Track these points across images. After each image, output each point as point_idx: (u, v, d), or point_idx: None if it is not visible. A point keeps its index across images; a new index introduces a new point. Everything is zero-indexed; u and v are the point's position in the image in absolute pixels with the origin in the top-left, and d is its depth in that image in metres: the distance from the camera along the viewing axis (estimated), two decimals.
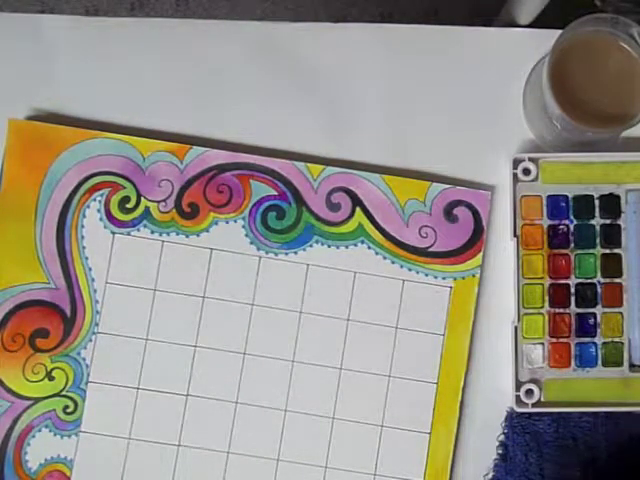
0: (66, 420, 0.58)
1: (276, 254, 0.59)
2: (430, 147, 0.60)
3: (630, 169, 0.58)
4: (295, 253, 0.59)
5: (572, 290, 0.58)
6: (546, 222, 0.58)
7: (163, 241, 0.59)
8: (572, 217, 0.58)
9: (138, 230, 0.59)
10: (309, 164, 0.59)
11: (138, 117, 0.60)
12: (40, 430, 0.58)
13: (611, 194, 0.58)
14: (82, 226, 0.59)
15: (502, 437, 0.58)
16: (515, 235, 0.58)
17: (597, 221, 0.58)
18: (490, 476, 0.58)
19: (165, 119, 0.60)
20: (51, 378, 0.58)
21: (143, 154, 0.59)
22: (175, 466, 0.58)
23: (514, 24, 0.87)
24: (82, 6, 1.21)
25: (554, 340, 0.58)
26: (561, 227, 0.58)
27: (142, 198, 0.59)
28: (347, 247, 0.59)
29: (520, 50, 0.60)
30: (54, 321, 0.58)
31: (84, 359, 0.58)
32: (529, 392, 0.57)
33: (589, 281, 0.58)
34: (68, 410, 0.58)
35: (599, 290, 0.58)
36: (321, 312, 0.59)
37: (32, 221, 0.58)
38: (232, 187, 0.59)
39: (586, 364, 0.57)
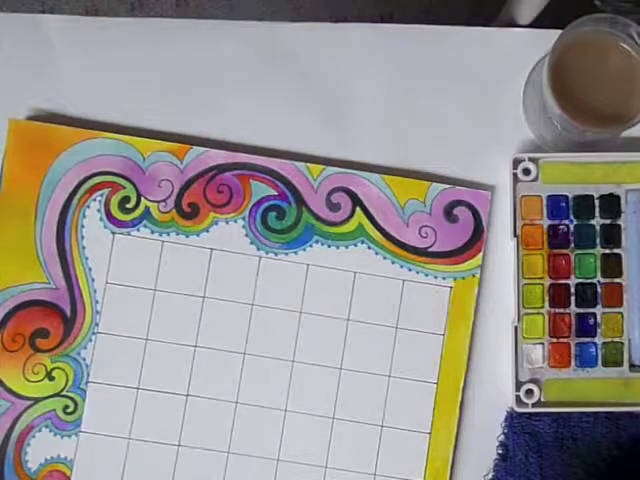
0: (66, 420, 0.58)
1: (276, 254, 0.59)
2: (430, 147, 0.60)
3: (630, 169, 0.58)
4: (295, 253, 0.59)
5: (572, 290, 0.58)
6: (546, 222, 0.58)
7: (163, 241, 0.59)
8: (572, 217, 0.58)
9: (138, 230, 0.59)
10: (309, 164, 0.59)
11: (138, 117, 0.60)
12: (40, 430, 0.58)
13: (611, 194, 0.58)
14: (82, 226, 0.59)
15: (502, 437, 0.58)
16: (515, 235, 0.58)
17: (597, 221, 0.58)
18: (490, 476, 0.58)
19: (165, 119, 0.60)
20: (51, 378, 0.58)
21: (143, 154, 0.59)
22: (175, 466, 0.58)
23: (514, 24, 0.87)
24: (82, 6, 1.21)
25: (554, 340, 0.58)
26: (561, 227, 0.58)
27: (142, 198, 0.59)
28: (347, 247, 0.59)
29: (520, 50, 0.60)
30: (54, 321, 0.58)
31: (84, 359, 0.58)
32: (529, 392, 0.57)
33: (589, 281, 0.58)
34: (68, 410, 0.58)
35: (599, 290, 0.58)
36: (321, 312, 0.59)
37: (32, 221, 0.58)
38: (232, 187, 0.59)
39: (586, 364, 0.58)
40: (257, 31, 0.61)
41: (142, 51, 0.60)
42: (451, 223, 0.59)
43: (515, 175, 0.58)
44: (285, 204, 0.59)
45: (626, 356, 0.58)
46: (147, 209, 0.59)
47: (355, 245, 0.59)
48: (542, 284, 0.58)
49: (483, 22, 0.65)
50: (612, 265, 0.58)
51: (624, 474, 0.57)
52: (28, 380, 0.58)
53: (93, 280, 0.59)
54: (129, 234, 0.59)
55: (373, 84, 0.61)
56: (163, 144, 0.59)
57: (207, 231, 0.59)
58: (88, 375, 0.58)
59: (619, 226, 0.58)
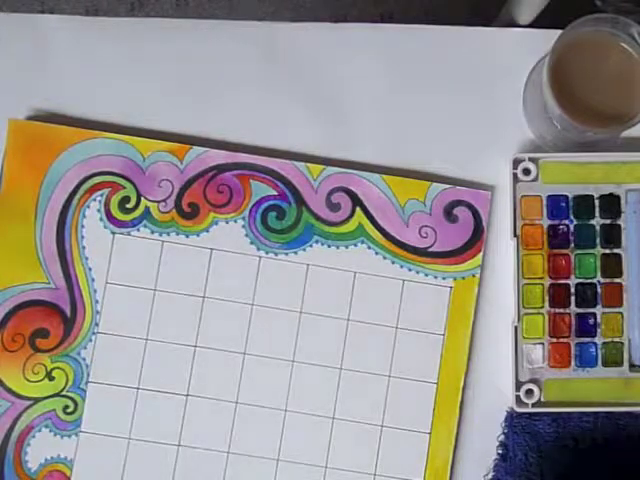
0: (66, 420, 0.58)
1: (276, 254, 0.59)
2: (430, 147, 0.60)
3: (630, 169, 0.58)
4: (295, 253, 0.59)
5: (572, 290, 0.58)
6: (546, 222, 0.58)
7: (163, 241, 0.59)
8: (572, 217, 0.58)
9: (138, 230, 0.59)
10: (309, 164, 0.59)
11: (138, 117, 0.60)
12: (40, 430, 0.58)
13: (611, 194, 0.58)
14: (82, 226, 0.59)
15: (502, 437, 0.58)
16: (515, 235, 0.58)
17: (597, 221, 0.58)
18: (490, 476, 0.58)
19: (165, 119, 0.60)
20: (51, 378, 0.58)
21: (143, 154, 0.59)
22: (175, 466, 0.58)
23: (514, 24, 0.87)
24: (82, 6, 1.21)
25: (554, 340, 0.58)
26: (561, 227, 0.58)
27: (142, 198, 0.59)
28: (347, 247, 0.59)
29: (520, 50, 0.60)
30: (54, 321, 0.58)
31: (84, 359, 0.58)
32: (529, 392, 0.57)
33: (589, 281, 0.58)
34: (68, 410, 0.58)
35: (599, 290, 0.58)
36: (321, 312, 0.59)
37: (32, 221, 0.58)
38: (232, 187, 0.59)
39: (586, 364, 0.57)
40: (257, 31, 0.61)
41: (142, 51, 0.60)
42: (451, 223, 0.59)
43: (515, 175, 0.58)
44: (285, 204, 0.59)
45: (626, 356, 0.58)
46: (147, 209, 0.59)
47: (355, 245, 0.59)
48: (542, 284, 0.58)
49: (483, 22, 0.65)
50: (612, 265, 0.58)
51: (624, 474, 0.57)
52: (28, 380, 0.58)
53: (93, 280, 0.59)
54: (129, 234, 0.59)
55: (373, 84, 0.61)
56: (163, 144, 0.59)
57: (207, 231, 0.59)
58: (88, 375, 0.58)
59: (619, 226, 0.58)
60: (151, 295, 0.59)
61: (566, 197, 0.58)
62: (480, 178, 0.60)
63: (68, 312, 0.58)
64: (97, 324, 0.58)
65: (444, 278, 0.59)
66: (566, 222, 0.58)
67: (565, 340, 0.58)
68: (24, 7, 1.19)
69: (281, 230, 0.59)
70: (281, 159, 0.59)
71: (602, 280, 0.58)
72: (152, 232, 0.59)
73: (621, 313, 0.58)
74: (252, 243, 0.59)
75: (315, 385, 0.58)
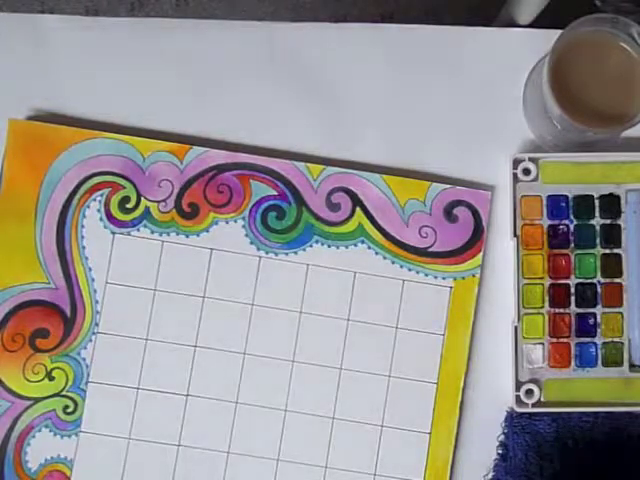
0: (66, 420, 0.58)
1: (276, 254, 0.59)
2: (430, 147, 0.60)
3: (630, 169, 0.58)
4: (295, 253, 0.59)
5: (572, 290, 0.58)
6: (546, 222, 0.58)
7: (163, 241, 0.59)
8: (572, 217, 0.58)
9: (138, 230, 0.59)
10: (309, 164, 0.59)
11: (138, 117, 0.60)
12: (40, 430, 0.58)
13: (611, 194, 0.58)
14: (82, 226, 0.59)
15: (502, 437, 0.58)
16: (515, 235, 0.58)
17: (597, 221, 0.58)
18: (490, 476, 0.58)
19: (165, 119, 0.60)
20: (51, 378, 0.58)
21: (143, 154, 0.59)
22: (175, 466, 0.58)
23: (514, 24, 0.87)
24: (82, 6, 1.21)
25: (554, 340, 0.58)
26: (561, 227, 0.58)
27: (142, 198, 0.59)
28: (347, 247, 0.59)
29: (520, 50, 0.60)
30: (54, 321, 0.58)
31: (84, 359, 0.58)
32: (529, 392, 0.57)
33: (589, 281, 0.58)
34: (68, 410, 0.58)
35: (599, 290, 0.58)
36: (321, 312, 0.59)
37: (32, 221, 0.58)
38: (232, 187, 0.59)
39: (586, 364, 0.57)
40: (257, 31, 0.61)
41: (142, 51, 0.60)
42: (451, 223, 0.59)
43: (515, 175, 0.58)
44: (285, 204, 0.59)
45: (626, 356, 0.58)
46: (147, 209, 0.59)
47: (355, 245, 0.59)
48: (542, 284, 0.58)
49: (483, 22, 0.65)
50: (612, 265, 0.58)
51: (624, 474, 0.57)
52: (28, 380, 0.58)
53: (93, 280, 0.59)
54: (129, 234, 0.59)
55: (373, 84, 0.61)
56: (163, 144, 0.59)
57: (207, 231, 0.59)
58: (88, 375, 0.58)
59: (619, 226, 0.58)
60: (151, 295, 0.59)
61: (566, 197, 0.58)
62: (480, 178, 0.60)
63: (68, 312, 0.58)
64: (97, 324, 0.58)
65: (444, 278, 0.59)
66: (566, 222, 0.58)
67: (565, 340, 0.58)
68: (24, 7, 1.19)
69: (281, 230, 0.59)
70: (281, 159, 0.59)
71: (602, 280, 0.58)
72: (152, 232, 0.59)
73: (621, 313, 0.58)
74: (252, 243, 0.59)
75: (315, 385, 0.58)
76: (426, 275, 0.59)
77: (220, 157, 0.59)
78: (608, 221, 0.58)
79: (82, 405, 0.58)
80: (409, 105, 0.61)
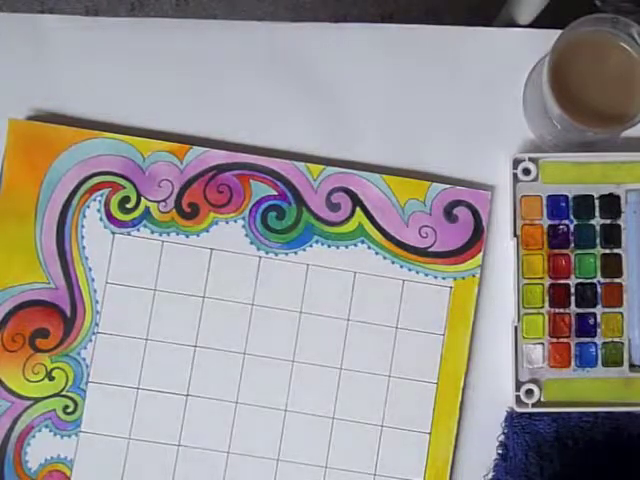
0: (66, 420, 0.58)
1: (276, 254, 0.59)
2: (430, 147, 0.60)
3: (630, 169, 0.58)
4: (295, 253, 0.59)
5: (572, 290, 0.58)
6: (546, 222, 0.58)
7: (163, 241, 0.59)
8: (572, 217, 0.58)
9: (138, 230, 0.59)
10: (309, 164, 0.59)
11: (138, 117, 0.60)
12: (40, 430, 0.58)
13: (611, 194, 0.58)
14: (82, 226, 0.59)
15: (502, 437, 0.58)
16: (515, 235, 0.58)
17: (597, 221, 0.58)
18: (490, 476, 0.58)
19: (165, 119, 0.60)
20: (51, 378, 0.58)
21: (143, 154, 0.59)
22: (175, 466, 0.58)
23: (514, 24, 0.87)
24: (82, 6, 1.21)
25: (554, 340, 0.58)
26: (561, 227, 0.58)
27: (142, 198, 0.59)
28: (347, 247, 0.59)
29: (520, 50, 0.60)
30: (54, 321, 0.58)
31: (84, 359, 0.58)
32: (529, 392, 0.57)
33: (589, 281, 0.58)
34: (68, 410, 0.58)
35: (599, 290, 0.58)
36: (321, 312, 0.59)
37: (32, 221, 0.58)
38: (232, 187, 0.59)
39: (586, 364, 0.57)
40: (257, 31, 0.61)
41: (142, 51, 0.60)
42: (451, 223, 0.59)
43: (515, 175, 0.58)
44: (285, 204, 0.59)
45: (626, 356, 0.58)
46: (147, 209, 0.59)
47: (355, 245, 0.59)
48: (542, 284, 0.58)
49: (483, 22, 0.65)
50: (612, 265, 0.58)
51: (624, 474, 0.57)
52: (28, 380, 0.58)
53: (93, 280, 0.59)
54: (129, 234, 0.59)
55: (373, 84, 0.61)
56: (163, 144, 0.59)
57: (207, 231, 0.59)
58: (88, 375, 0.58)
59: (619, 226, 0.58)
60: (151, 295, 0.59)
61: (566, 197, 0.58)
62: (480, 178, 0.60)
63: (68, 312, 0.58)
64: (97, 324, 0.58)
65: (444, 278, 0.59)
66: (566, 222, 0.58)
67: (565, 340, 0.58)
68: (24, 7, 1.19)
69: (281, 230, 0.59)
70: (281, 159, 0.59)
71: (602, 280, 0.58)
72: (152, 232, 0.59)
73: (621, 313, 0.58)
74: (252, 243, 0.59)
75: (315, 385, 0.58)
76: (426, 275, 0.59)
77: (220, 157, 0.59)
78: (608, 221, 0.58)
79: (82, 405, 0.58)
80: (409, 105, 0.61)
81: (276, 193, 0.59)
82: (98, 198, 0.59)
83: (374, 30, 0.61)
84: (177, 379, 0.58)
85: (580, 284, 0.58)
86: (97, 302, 0.58)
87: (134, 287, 0.59)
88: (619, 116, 0.54)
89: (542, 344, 0.58)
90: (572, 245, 0.58)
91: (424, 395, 0.58)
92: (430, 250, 0.59)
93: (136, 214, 0.59)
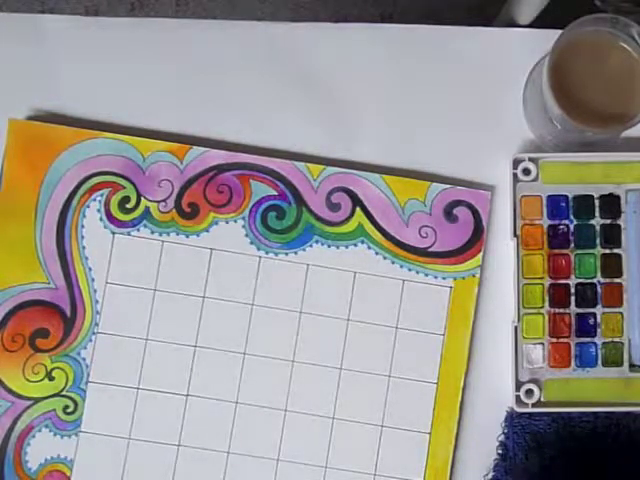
0: (66, 420, 0.58)
1: (276, 254, 0.59)
2: (430, 147, 0.60)
3: (630, 169, 0.58)
4: (295, 253, 0.59)
5: (572, 290, 0.58)
6: (546, 222, 0.58)
7: (163, 241, 0.59)
8: (572, 217, 0.58)
9: (138, 230, 0.59)
10: (309, 164, 0.59)
11: (138, 117, 0.60)
12: (40, 430, 0.58)
13: (611, 194, 0.58)
14: (82, 226, 0.59)
15: (502, 437, 0.58)
16: (515, 235, 0.58)
17: (597, 221, 0.58)
18: (490, 476, 0.58)
19: (165, 119, 0.60)
20: (51, 378, 0.58)
21: (143, 154, 0.59)
22: (175, 466, 0.58)
23: (514, 24, 0.87)
24: (82, 6, 1.21)
25: (554, 340, 0.58)
26: (561, 227, 0.58)
27: (142, 198, 0.59)
28: (347, 247, 0.59)
29: (520, 50, 0.60)
30: (54, 321, 0.58)
31: (84, 359, 0.58)
32: (529, 392, 0.57)
33: (589, 281, 0.58)
34: (68, 410, 0.58)
35: (599, 290, 0.58)
36: (321, 312, 0.59)
37: (32, 221, 0.58)
38: (232, 187, 0.59)
39: (586, 364, 0.57)
40: (257, 31, 0.61)
41: (142, 51, 0.60)
42: (451, 223, 0.59)
43: (515, 175, 0.58)
44: (285, 204, 0.59)
45: (626, 356, 0.58)
46: (147, 209, 0.59)
47: (355, 245, 0.59)
48: (542, 284, 0.58)
49: (483, 22, 0.65)
50: (612, 265, 0.58)
51: (624, 474, 0.57)
52: (28, 380, 0.58)
53: (93, 280, 0.59)
54: (129, 234, 0.59)
55: (373, 84, 0.61)
56: (163, 144, 0.59)
57: (207, 231, 0.59)
58: (88, 375, 0.58)
59: (619, 226, 0.58)
60: (151, 295, 0.59)
61: (566, 197, 0.58)
62: (480, 178, 0.60)
63: (68, 312, 0.58)
64: (97, 324, 0.58)
65: (444, 278, 0.59)
66: (566, 222, 0.58)
67: (565, 340, 0.58)
68: (24, 7, 1.19)
69: (281, 230, 0.59)
70: (281, 159, 0.59)
71: (602, 280, 0.58)
72: (152, 232, 0.59)
73: (621, 313, 0.58)
74: (252, 243, 0.59)
75: (315, 385, 0.58)
76: (426, 275, 0.59)
77: (220, 157, 0.59)
78: (608, 221, 0.58)
79: (82, 405, 0.58)
80: (409, 105, 0.61)
81: (276, 193, 0.59)
82: (98, 198, 0.59)
83: (374, 30, 0.61)
84: (177, 379, 0.58)
85: (580, 284, 0.58)
86: (97, 302, 0.58)
87: (134, 287, 0.59)
88: (619, 116, 0.54)
89: (542, 344, 0.58)
90: (572, 245, 0.58)
91: (424, 395, 0.58)
92: (430, 250, 0.59)
93: (136, 214, 0.59)
